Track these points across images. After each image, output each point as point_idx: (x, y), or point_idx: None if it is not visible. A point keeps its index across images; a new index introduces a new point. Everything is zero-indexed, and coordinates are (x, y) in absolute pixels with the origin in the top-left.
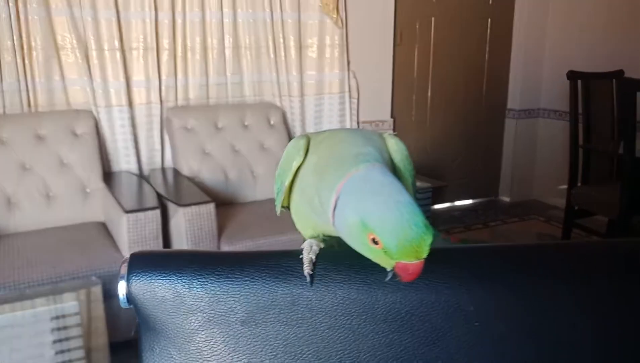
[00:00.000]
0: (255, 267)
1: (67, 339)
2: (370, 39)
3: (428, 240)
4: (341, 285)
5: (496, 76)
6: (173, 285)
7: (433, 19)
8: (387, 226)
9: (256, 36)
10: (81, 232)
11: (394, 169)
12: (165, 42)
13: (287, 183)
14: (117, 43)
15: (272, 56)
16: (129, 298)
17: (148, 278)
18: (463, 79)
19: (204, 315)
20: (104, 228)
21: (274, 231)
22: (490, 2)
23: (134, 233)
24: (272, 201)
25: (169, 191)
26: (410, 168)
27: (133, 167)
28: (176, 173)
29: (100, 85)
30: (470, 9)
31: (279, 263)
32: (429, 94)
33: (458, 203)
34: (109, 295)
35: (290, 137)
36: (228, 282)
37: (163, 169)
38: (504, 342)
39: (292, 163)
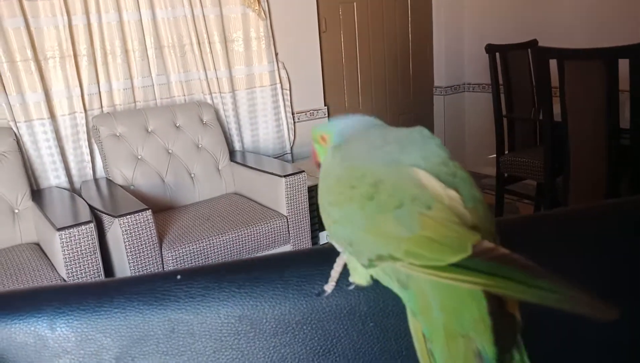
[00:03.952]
0: (126, 296)
1: None
2: (295, 29)
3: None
4: (224, 303)
5: (421, 56)
6: (32, 328)
7: (355, 3)
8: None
9: (178, 34)
10: (14, 255)
11: None
12: (82, 48)
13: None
14: (29, 53)
15: (197, 53)
16: None
17: (3, 323)
18: (390, 61)
19: (72, 357)
20: (38, 248)
21: (216, 232)
22: None
23: (68, 250)
24: (212, 201)
25: (103, 203)
26: None
27: (63, 181)
28: (109, 182)
29: (17, 99)
30: None
31: (153, 288)
32: (359, 78)
33: None
34: None
35: (225, 134)
36: (96, 316)
37: (95, 181)
38: (401, 339)
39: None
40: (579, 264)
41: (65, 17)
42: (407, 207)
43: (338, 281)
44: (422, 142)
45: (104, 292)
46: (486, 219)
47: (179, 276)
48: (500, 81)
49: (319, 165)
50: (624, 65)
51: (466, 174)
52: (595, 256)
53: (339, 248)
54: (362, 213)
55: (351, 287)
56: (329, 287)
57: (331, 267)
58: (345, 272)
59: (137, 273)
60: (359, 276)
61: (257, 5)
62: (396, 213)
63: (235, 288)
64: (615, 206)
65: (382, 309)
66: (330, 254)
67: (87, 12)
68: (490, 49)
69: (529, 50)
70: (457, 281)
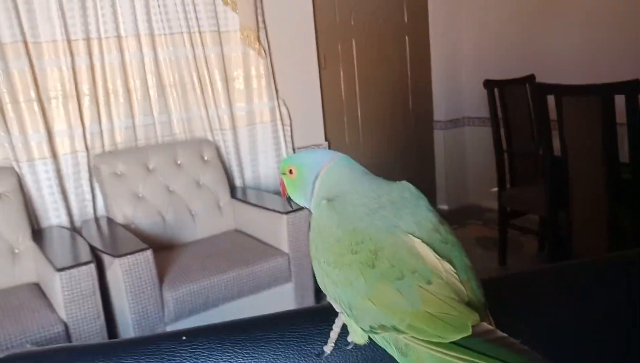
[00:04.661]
0: (133, 356)
1: None
2: (295, 66)
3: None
4: None
5: (420, 91)
6: None
7: (353, 40)
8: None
9: (180, 73)
10: (13, 296)
11: None
12: (85, 88)
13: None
14: (33, 93)
15: (198, 91)
16: None
17: None
18: (389, 97)
19: None
20: (37, 289)
21: (217, 271)
22: (406, 20)
23: (68, 291)
24: (213, 238)
25: (104, 242)
26: None
27: (64, 220)
28: (110, 221)
29: (19, 139)
30: (388, 28)
31: (159, 348)
32: (359, 114)
33: None
34: None
35: (226, 171)
36: None
37: (96, 220)
38: None
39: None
40: (576, 317)
41: (69, 58)
42: (408, 280)
43: (336, 341)
44: (414, 205)
45: (112, 353)
46: (478, 291)
47: (184, 337)
48: (500, 116)
49: (287, 198)
50: (621, 98)
51: (455, 239)
52: (592, 309)
53: (337, 308)
54: (363, 279)
55: (349, 347)
56: (328, 348)
57: (330, 327)
58: (343, 331)
59: (136, 314)
60: (358, 336)
61: (258, 44)
62: (398, 285)
63: (238, 349)
64: (615, 258)
65: None
66: (329, 313)
67: (90, 53)
68: (489, 84)
69: (527, 85)
70: (457, 360)
